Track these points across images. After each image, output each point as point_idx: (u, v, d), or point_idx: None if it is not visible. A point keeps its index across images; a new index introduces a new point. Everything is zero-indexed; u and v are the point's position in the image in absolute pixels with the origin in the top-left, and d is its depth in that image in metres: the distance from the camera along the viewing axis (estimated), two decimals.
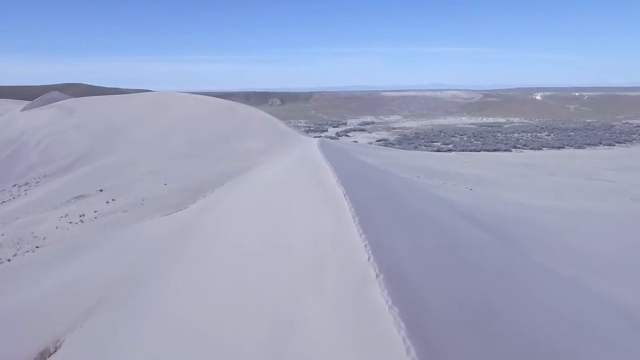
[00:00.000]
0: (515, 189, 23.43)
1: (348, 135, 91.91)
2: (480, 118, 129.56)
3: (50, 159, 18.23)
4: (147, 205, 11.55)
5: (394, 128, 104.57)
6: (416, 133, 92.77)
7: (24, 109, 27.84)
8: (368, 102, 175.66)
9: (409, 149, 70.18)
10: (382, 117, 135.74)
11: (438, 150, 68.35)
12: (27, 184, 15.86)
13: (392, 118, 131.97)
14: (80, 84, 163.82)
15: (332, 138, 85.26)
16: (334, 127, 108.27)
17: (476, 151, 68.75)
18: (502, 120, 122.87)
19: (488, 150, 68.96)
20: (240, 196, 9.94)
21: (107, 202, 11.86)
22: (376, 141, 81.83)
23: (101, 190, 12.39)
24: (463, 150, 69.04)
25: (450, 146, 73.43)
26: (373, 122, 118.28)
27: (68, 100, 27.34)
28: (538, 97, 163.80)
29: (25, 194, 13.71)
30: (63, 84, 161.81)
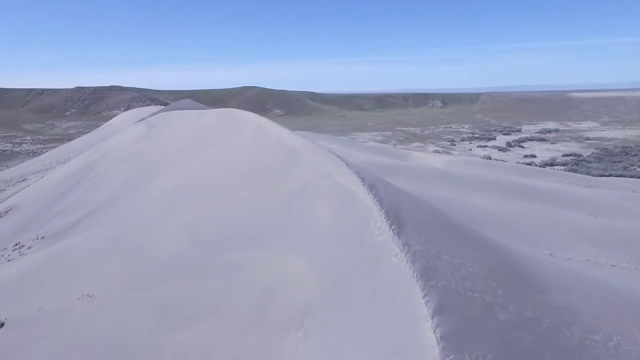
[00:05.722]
0: None
1: (522, 146, 75.22)
2: None
3: (73, 207, 14.43)
4: None
5: (587, 138, 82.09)
6: (623, 147, 69.95)
7: (139, 120, 26.12)
8: (550, 105, 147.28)
9: (614, 170, 51.82)
10: (569, 123, 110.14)
11: None
12: (21, 246, 12.24)
13: (585, 125, 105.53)
14: (255, 86, 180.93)
15: (501, 149, 70.51)
16: (504, 134, 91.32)
17: None
18: None
19: None
20: None
21: None
22: (562, 155, 63.92)
23: (2, 325, 6.97)
24: None
25: None
26: (557, 130, 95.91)
27: (160, 115, 24.31)
28: None
29: None
30: (241, 87, 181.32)
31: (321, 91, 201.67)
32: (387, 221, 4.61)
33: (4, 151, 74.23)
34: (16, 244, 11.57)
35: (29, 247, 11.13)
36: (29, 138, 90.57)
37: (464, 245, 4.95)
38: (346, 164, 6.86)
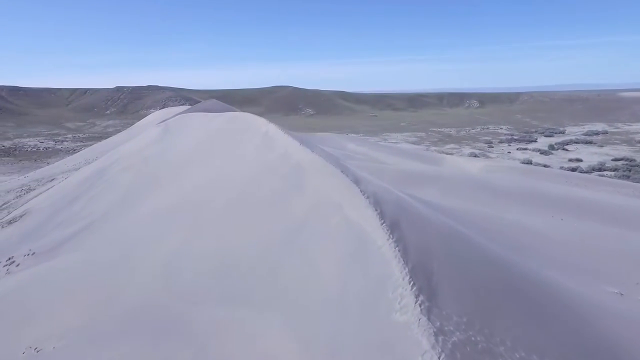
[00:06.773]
0: None
1: (566, 149, 70.60)
2: None
3: (75, 217, 13.60)
4: None
5: None
6: None
7: (161, 122, 25.57)
8: (597, 105, 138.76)
9: None
10: (619, 125, 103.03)
11: None
12: (12, 262, 11.47)
13: (637, 127, 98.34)
14: (287, 86, 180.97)
15: (542, 152, 66.29)
16: (546, 136, 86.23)
17: None
18: None
19: None
20: None
21: None
22: (612, 160, 59.30)
23: None
24: None
25: None
26: (605, 132, 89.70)
27: (178, 117, 23.51)
28: None
29: None
30: (274, 86, 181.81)
31: (353, 91, 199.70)
32: (412, 289, 3.13)
33: (46, 148, 77.72)
34: (8, 259, 10.92)
35: (18, 265, 10.42)
36: (70, 136, 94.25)
37: (524, 315, 3.47)
38: (361, 190, 5.28)
